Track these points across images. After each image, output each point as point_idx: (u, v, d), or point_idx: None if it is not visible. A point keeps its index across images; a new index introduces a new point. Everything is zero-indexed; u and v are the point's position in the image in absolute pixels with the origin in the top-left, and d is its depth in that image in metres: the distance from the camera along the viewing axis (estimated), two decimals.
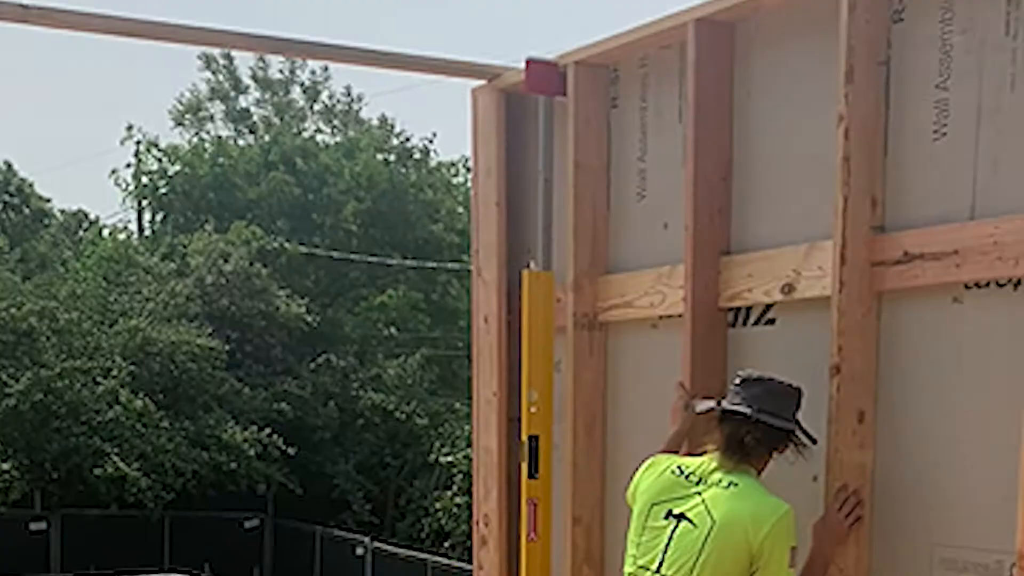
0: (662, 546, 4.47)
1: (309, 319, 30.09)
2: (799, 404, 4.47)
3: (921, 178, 4.37)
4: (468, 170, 37.94)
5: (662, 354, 5.39)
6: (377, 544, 27.02)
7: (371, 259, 32.97)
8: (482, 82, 6.13)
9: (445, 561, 24.90)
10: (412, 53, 6.02)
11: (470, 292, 6.45)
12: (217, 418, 27.62)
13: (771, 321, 4.94)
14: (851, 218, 4.44)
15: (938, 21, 4.30)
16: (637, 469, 4.87)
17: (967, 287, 4.23)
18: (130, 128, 36.70)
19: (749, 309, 5.01)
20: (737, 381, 4.54)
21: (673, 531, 4.45)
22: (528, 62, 5.66)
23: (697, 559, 4.35)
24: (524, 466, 5.80)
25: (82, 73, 63.54)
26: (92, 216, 41.11)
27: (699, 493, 4.46)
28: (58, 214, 40.88)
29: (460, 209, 35.91)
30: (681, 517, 4.45)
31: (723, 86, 5.04)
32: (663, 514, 4.51)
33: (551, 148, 5.77)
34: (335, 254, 32.83)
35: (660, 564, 4.45)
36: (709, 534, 4.35)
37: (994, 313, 4.17)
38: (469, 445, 26.87)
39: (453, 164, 37.39)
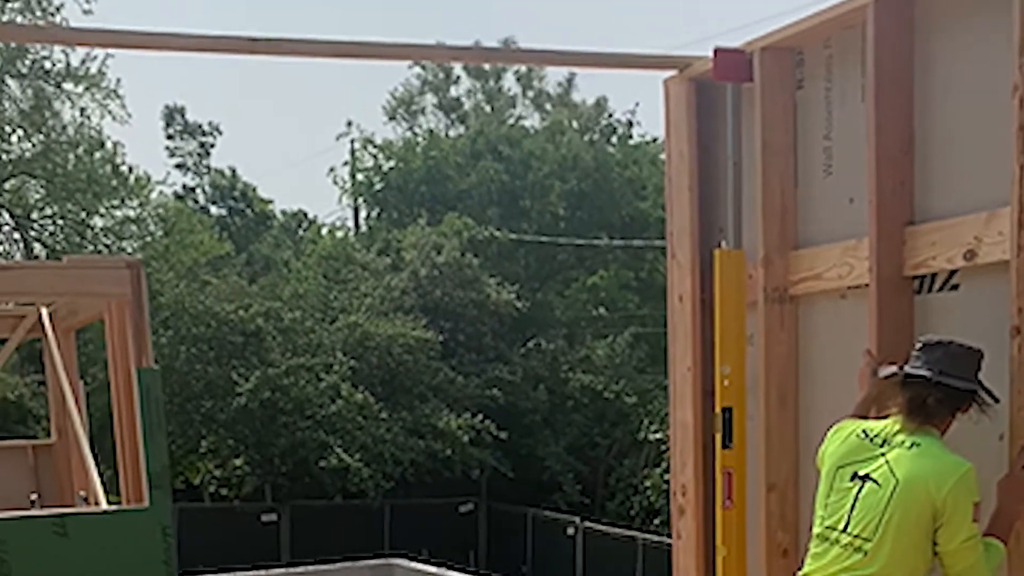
0: (848, 506, 4.65)
1: (519, 305, 30.61)
2: (980, 365, 4.60)
3: None
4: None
5: (852, 323, 5.53)
6: (588, 524, 27.38)
7: (579, 242, 33.29)
8: (673, 72, 6.35)
9: (656, 538, 25.09)
10: (607, 51, 6.29)
11: (668, 272, 6.67)
12: (432, 407, 28.38)
13: (955, 287, 5.06)
14: None
15: None
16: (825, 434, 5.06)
17: None
18: (349, 124, 37.91)
19: (934, 276, 5.14)
20: (919, 346, 4.69)
21: (859, 492, 4.62)
22: (716, 51, 5.87)
23: (882, 518, 4.52)
24: (718, 437, 6.00)
25: (299, 75, 65.52)
26: (311, 215, 42.44)
27: (883, 455, 4.62)
28: (279, 215, 42.31)
29: (660, 182, 35.95)
30: (866, 478, 4.62)
31: (902, 63, 5.18)
32: (849, 476, 4.69)
33: (739, 132, 5.97)
34: (543, 239, 33.27)
35: (847, 524, 4.63)
36: (893, 493, 4.51)
37: None
38: None
39: (656, 140, 37.52)
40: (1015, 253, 4.58)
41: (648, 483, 27.23)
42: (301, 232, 41.31)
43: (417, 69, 39.68)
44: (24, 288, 10.46)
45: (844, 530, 4.63)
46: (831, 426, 5.11)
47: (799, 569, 4.93)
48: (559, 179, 33.97)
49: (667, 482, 26.51)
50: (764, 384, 5.89)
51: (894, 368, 4.77)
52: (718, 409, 5.99)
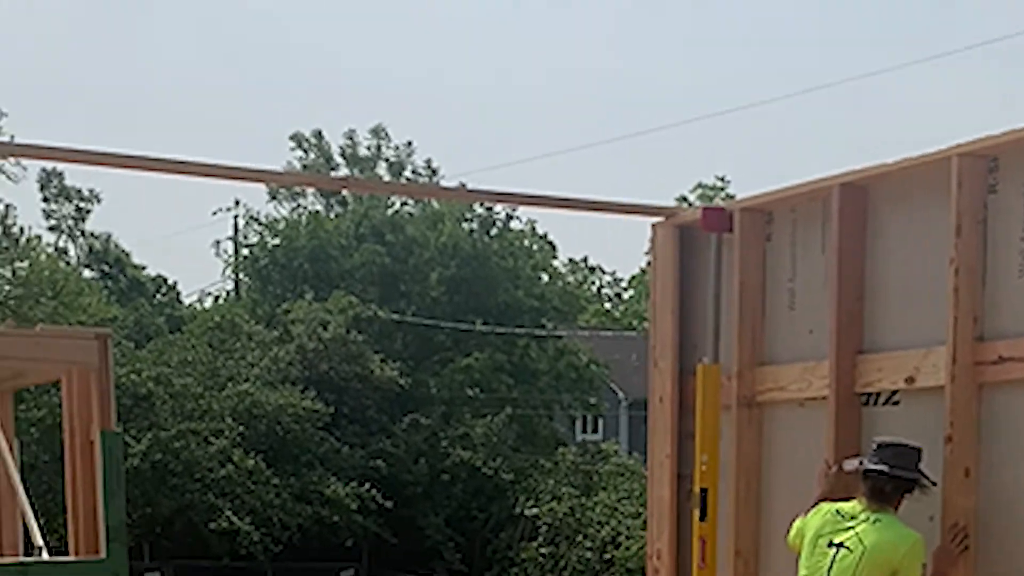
0: (826, 567, 6.14)
1: (401, 381, 31.94)
2: (920, 458, 6.14)
3: (1010, 303, 6.05)
4: (542, 238, 39.84)
5: (806, 426, 7.07)
6: None
7: (457, 325, 34.72)
8: (660, 219, 7.88)
9: None
10: (602, 199, 7.82)
11: (649, 378, 8.12)
12: (319, 475, 29.50)
13: (896, 403, 6.62)
14: (959, 331, 6.12)
15: (1020, 195, 6.01)
16: (797, 516, 6.59)
17: None
18: (237, 203, 39.14)
19: (879, 393, 6.69)
20: (875, 445, 6.23)
21: (834, 556, 6.13)
22: (704, 209, 7.45)
23: (854, 574, 6.02)
24: (695, 512, 7.47)
25: (181, 149, 65.57)
26: (171, 281, 42.80)
27: (852, 527, 6.14)
28: (149, 282, 42.80)
29: (533, 272, 37.82)
30: (840, 545, 6.13)
31: (859, 229, 6.75)
32: (826, 543, 6.19)
33: (720, 270, 7.49)
34: (427, 321, 34.67)
35: None
36: (862, 557, 6.02)
37: None
38: (553, 499, 28.67)
39: (539, 235, 39.41)
40: (950, 380, 6.14)
41: (524, 555, 28.52)
42: (159, 296, 41.84)
43: (299, 152, 41.04)
44: (4, 353, 11.43)
45: None
46: (790, 507, 6.70)
47: None
48: (439, 265, 35.44)
49: (543, 555, 28.05)
50: (735, 470, 7.37)
51: (855, 463, 6.29)
52: (696, 489, 7.46)
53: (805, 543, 6.35)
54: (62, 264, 36.87)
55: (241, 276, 39.69)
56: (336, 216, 38.58)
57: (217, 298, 40.87)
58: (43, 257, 33.53)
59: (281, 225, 38.37)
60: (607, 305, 53.58)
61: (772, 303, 7.36)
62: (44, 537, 9.96)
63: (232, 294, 40.65)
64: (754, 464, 7.41)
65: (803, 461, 7.03)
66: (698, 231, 7.65)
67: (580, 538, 27.16)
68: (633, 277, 50.92)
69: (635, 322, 47.50)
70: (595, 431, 41.27)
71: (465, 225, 36.21)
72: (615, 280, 54.82)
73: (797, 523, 6.60)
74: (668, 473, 7.91)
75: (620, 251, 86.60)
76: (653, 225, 7.98)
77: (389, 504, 29.17)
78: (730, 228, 7.42)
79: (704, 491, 7.47)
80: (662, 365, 7.96)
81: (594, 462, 30.48)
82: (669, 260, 7.87)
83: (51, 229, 42.59)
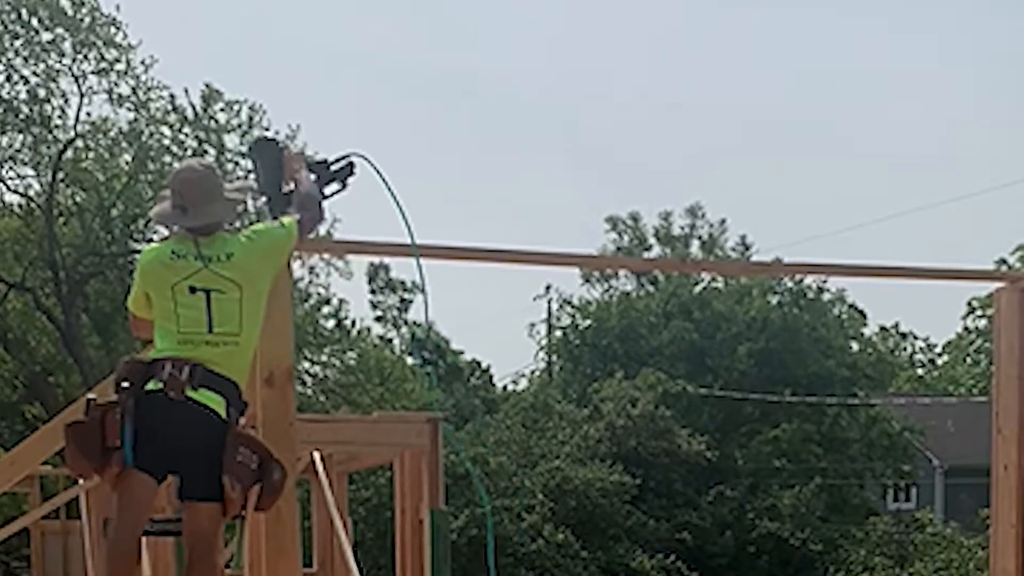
0: None
1: (708, 454, 31.44)
2: None
3: None
4: (851, 307, 38.73)
5: None
6: None
7: (767, 397, 33.98)
8: (1003, 284, 7.29)
9: None
10: (929, 266, 7.26)
11: (991, 445, 7.47)
12: (626, 547, 29.24)
13: None
14: None
15: None
16: None
17: None
18: (548, 288, 39.74)
19: None
20: None
21: None
22: None
23: None
24: None
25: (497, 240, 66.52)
26: (485, 365, 43.51)
27: None
28: (465, 366, 43.61)
29: (843, 341, 36.75)
30: None
31: None
32: None
33: None
34: (732, 393, 34.09)
35: None
36: None
37: None
38: (864, 570, 27.40)
39: (848, 304, 38.34)
40: None
41: None
42: (475, 380, 42.49)
43: (613, 235, 41.45)
44: (346, 438, 11.56)
45: None
46: None
47: None
48: (747, 339, 34.92)
49: None
50: None
51: None
52: None
53: None
54: (387, 352, 38.05)
55: (553, 357, 40.13)
56: (646, 295, 38.64)
57: (530, 378, 41.39)
58: (371, 347, 34.56)
59: (593, 307, 38.78)
60: (919, 371, 51.64)
61: None
62: None
63: (544, 375, 41.06)
64: None
65: None
66: None
67: None
68: (948, 342, 48.86)
69: (951, 387, 45.50)
70: (907, 499, 39.61)
71: (773, 298, 35.60)
72: (928, 346, 52.82)
73: None
74: (1013, 544, 7.20)
75: (933, 316, 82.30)
76: (997, 290, 7.39)
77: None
78: None
79: None
80: (1007, 433, 7.28)
81: (908, 531, 29.18)
82: (1014, 325, 7.23)
83: (378, 319, 44.14)
